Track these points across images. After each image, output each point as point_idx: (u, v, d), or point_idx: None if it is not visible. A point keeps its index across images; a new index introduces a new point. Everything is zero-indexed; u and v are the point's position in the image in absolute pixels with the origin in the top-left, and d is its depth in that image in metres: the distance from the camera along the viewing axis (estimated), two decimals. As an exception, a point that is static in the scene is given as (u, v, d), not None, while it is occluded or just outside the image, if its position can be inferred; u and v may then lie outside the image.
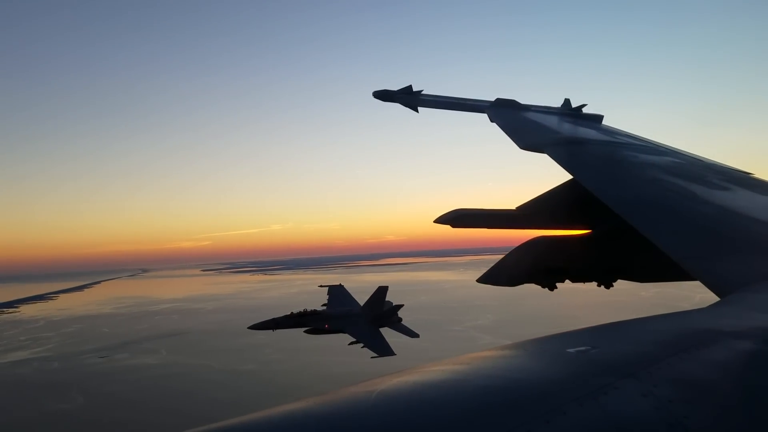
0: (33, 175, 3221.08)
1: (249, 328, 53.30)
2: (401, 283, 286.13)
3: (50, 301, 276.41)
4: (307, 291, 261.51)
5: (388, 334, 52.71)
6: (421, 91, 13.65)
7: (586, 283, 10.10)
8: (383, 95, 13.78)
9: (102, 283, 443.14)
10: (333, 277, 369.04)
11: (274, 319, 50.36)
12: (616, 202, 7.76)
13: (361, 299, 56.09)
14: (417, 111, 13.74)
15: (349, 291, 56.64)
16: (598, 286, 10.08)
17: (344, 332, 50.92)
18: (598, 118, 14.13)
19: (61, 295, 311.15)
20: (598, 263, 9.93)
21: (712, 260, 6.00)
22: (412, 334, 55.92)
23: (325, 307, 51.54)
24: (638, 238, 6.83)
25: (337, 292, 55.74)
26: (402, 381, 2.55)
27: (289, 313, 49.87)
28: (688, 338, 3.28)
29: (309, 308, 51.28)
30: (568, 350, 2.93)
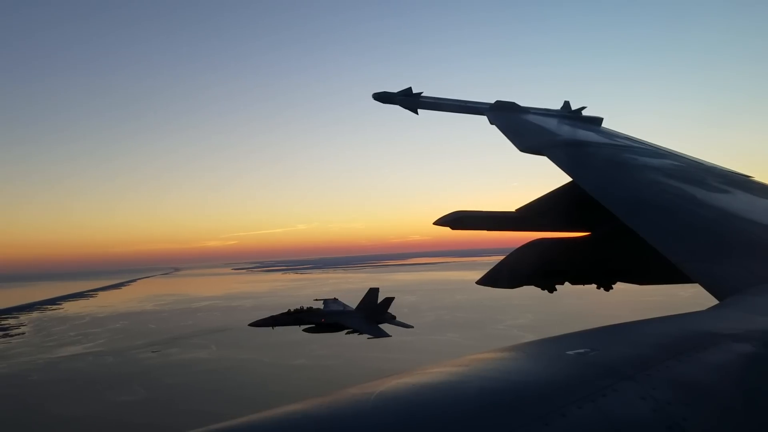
0: (66, 176, 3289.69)
1: (249, 325, 56.24)
2: (434, 282, 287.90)
3: (91, 299, 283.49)
4: (341, 290, 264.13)
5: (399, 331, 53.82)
6: (421, 93, 13.55)
7: (586, 285, 10.11)
8: (383, 97, 13.74)
9: (138, 281, 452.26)
10: (363, 277, 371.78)
11: (272, 317, 53.54)
12: (615, 204, 7.77)
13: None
14: (417, 113, 13.63)
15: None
16: (598, 288, 10.11)
17: (340, 325, 53.34)
18: (598, 121, 14.04)
19: (101, 293, 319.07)
20: (597, 265, 9.98)
21: (711, 263, 5.99)
22: (406, 326, 58.41)
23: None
24: (638, 241, 6.82)
25: (331, 303, 58.53)
26: (401, 382, 2.56)
27: (286, 311, 52.74)
28: (687, 341, 3.28)
29: (305, 306, 54.27)
30: (567, 352, 2.95)
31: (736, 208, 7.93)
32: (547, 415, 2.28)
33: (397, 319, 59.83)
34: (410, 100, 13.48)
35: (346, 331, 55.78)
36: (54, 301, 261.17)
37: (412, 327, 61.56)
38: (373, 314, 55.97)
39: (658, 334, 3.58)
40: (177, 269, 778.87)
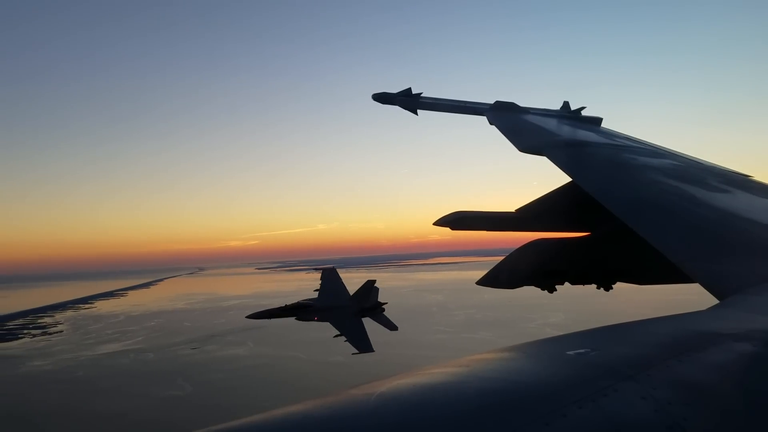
0: (87, 177, 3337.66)
1: (247, 317, 58.07)
2: (458, 281, 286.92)
3: (122, 298, 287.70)
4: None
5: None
6: (421, 93, 13.48)
7: (585, 285, 10.09)
8: (382, 98, 13.66)
9: (165, 280, 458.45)
10: (387, 276, 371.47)
11: (269, 310, 55.18)
12: (615, 204, 7.77)
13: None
14: (416, 114, 13.54)
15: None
16: (598, 288, 10.08)
17: (331, 323, 54.95)
18: (597, 121, 13.98)
19: (130, 292, 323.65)
20: (597, 265, 9.94)
21: (711, 263, 5.99)
22: (392, 327, 59.69)
23: (316, 297, 55.69)
24: (638, 241, 6.84)
25: (329, 276, 59.56)
26: (401, 383, 2.57)
27: (283, 305, 54.70)
28: (688, 340, 3.28)
29: (303, 300, 56.22)
30: (568, 352, 2.96)
31: (736, 208, 7.94)
32: (547, 415, 2.29)
33: (386, 314, 61.20)
34: (410, 101, 13.41)
35: (334, 335, 57.81)
36: (86, 300, 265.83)
37: (397, 329, 63.18)
38: (364, 310, 57.76)
39: (658, 333, 3.61)
40: (201, 269, 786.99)
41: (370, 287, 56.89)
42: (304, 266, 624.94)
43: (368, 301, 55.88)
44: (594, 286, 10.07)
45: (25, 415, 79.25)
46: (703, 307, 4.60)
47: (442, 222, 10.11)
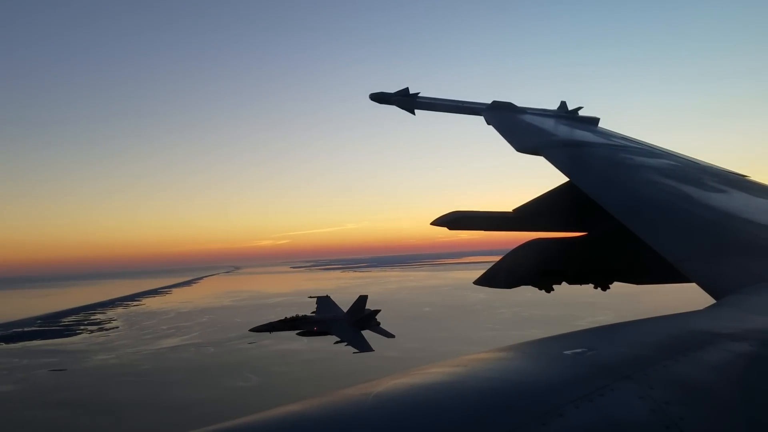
0: (118, 181, 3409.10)
1: (250, 330, 61.71)
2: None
3: (167, 295, 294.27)
4: (406, 287, 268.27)
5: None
6: (418, 93, 13.42)
7: (583, 285, 10.06)
8: (380, 97, 13.55)
9: (204, 278, 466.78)
10: (423, 275, 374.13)
11: (270, 323, 59.34)
12: (612, 204, 7.76)
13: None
14: (414, 114, 13.48)
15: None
16: (595, 288, 10.04)
17: (330, 334, 58.53)
18: (595, 121, 13.96)
19: (174, 290, 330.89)
20: (594, 265, 9.88)
21: (708, 262, 5.98)
22: (388, 335, 62.74)
23: (314, 314, 59.33)
24: (635, 241, 6.84)
25: (324, 302, 63.46)
26: (399, 383, 2.57)
27: (283, 318, 58.35)
28: (685, 340, 3.30)
29: (300, 314, 59.76)
30: (565, 352, 2.95)
31: (733, 208, 7.93)
32: (545, 415, 2.29)
33: (381, 326, 64.71)
34: (407, 101, 13.34)
35: (335, 341, 61.03)
36: (133, 298, 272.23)
37: (394, 336, 66.52)
38: (360, 321, 61.47)
39: (655, 333, 3.63)
40: (237, 267, 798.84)
41: (363, 302, 60.68)
42: (338, 265, 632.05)
43: (361, 313, 59.87)
44: (591, 285, 10.03)
45: (104, 405, 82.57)
46: (700, 307, 4.62)
47: (439, 222, 10.06)
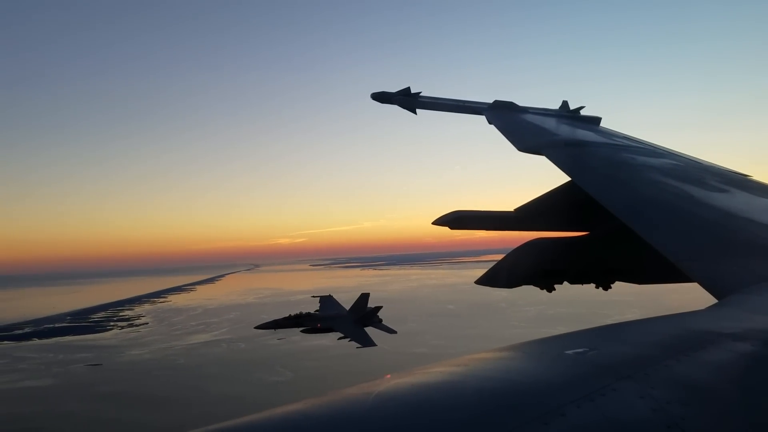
0: (137, 181, 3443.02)
1: (255, 327, 64.06)
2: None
3: (192, 292, 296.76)
4: (427, 285, 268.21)
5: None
6: (420, 92, 13.38)
7: (584, 285, 10.04)
8: (381, 97, 13.53)
9: (226, 276, 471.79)
10: (443, 273, 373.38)
11: (275, 321, 61.18)
12: (614, 204, 7.72)
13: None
14: (415, 113, 13.43)
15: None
16: (597, 287, 9.99)
17: (334, 330, 60.05)
18: (596, 120, 13.91)
19: (198, 287, 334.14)
20: (596, 265, 9.83)
21: (709, 262, 5.96)
22: (390, 331, 64.08)
23: (318, 312, 60.92)
24: (636, 240, 6.82)
25: (326, 301, 65.14)
26: (400, 383, 2.57)
27: (287, 315, 60.10)
28: (686, 340, 3.29)
29: (304, 311, 61.49)
30: (566, 352, 2.96)
31: (735, 208, 7.92)
32: (546, 414, 2.29)
33: (384, 323, 66.20)
34: (408, 100, 13.32)
35: (338, 337, 62.64)
36: (158, 294, 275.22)
37: (396, 332, 68.11)
38: (362, 318, 62.86)
39: (656, 333, 3.62)
40: (257, 265, 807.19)
41: (365, 300, 62.20)
42: (356, 263, 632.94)
43: (363, 311, 61.45)
44: (593, 285, 10.02)
45: (145, 398, 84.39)
46: (702, 307, 4.61)
47: (440, 221, 10.07)
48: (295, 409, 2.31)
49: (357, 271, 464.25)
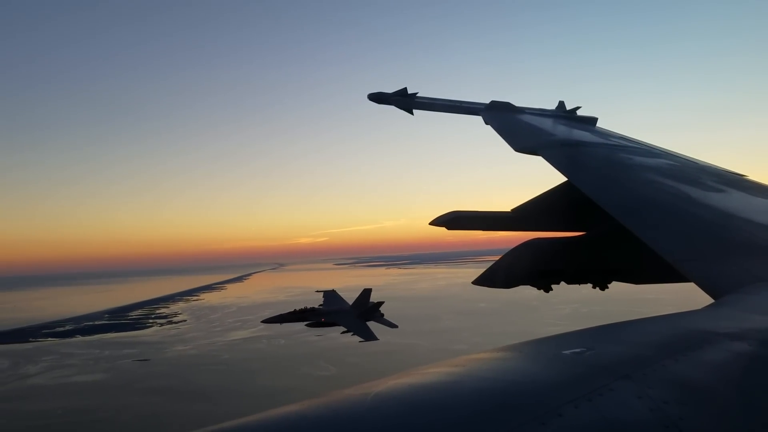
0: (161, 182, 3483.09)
1: (262, 321, 65.88)
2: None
3: (222, 290, 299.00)
4: (455, 284, 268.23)
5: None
6: (416, 93, 13.38)
7: (581, 285, 10.08)
8: (378, 97, 13.53)
9: (253, 275, 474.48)
10: (469, 273, 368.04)
11: (281, 315, 63.10)
12: (610, 204, 7.72)
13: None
14: (412, 113, 13.46)
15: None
16: (594, 287, 10.01)
17: (337, 325, 61.60)
18: (593, 121, 13.94)
19: (228, 285, 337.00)
20: (593, 265, 9.82)
21: (706, 262, 5.95)
22: (392, 326, 65.31)
23: (321, 306, 62.50)
24: (633, 241, 6.82)
25: (330, 296, 66.75)
26: (398, 383, 2.57)
27: (292, 309, 62.03)
28: (683, 340, 3.29)
29: (309, 306, 63.34)
30: (564, 352, 2.95)
31: (731, 208, 7.92)
32: (543, 414, 2.28)
33: (385, 317, 67.40)
34: (405, 101, 13.36)
35: (341, 331, 64.19)
36: (191, 293, 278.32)
37: (397, 327, 69.34)
38: (364, 313, 64.18)
39: (654, 333, 3.61)
40: (282, 264, 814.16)
41: (367, 295, 63.61)
42: (380, 263, 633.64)
43: (366, 306, 63.20)
44: (590, 285, 10.06)
45: (195, 392, 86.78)
46: (699, 307, 4.62)
47: (437, 222, 10.10)
48: (295, 410, 2.31)
49: (382, 270, 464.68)
